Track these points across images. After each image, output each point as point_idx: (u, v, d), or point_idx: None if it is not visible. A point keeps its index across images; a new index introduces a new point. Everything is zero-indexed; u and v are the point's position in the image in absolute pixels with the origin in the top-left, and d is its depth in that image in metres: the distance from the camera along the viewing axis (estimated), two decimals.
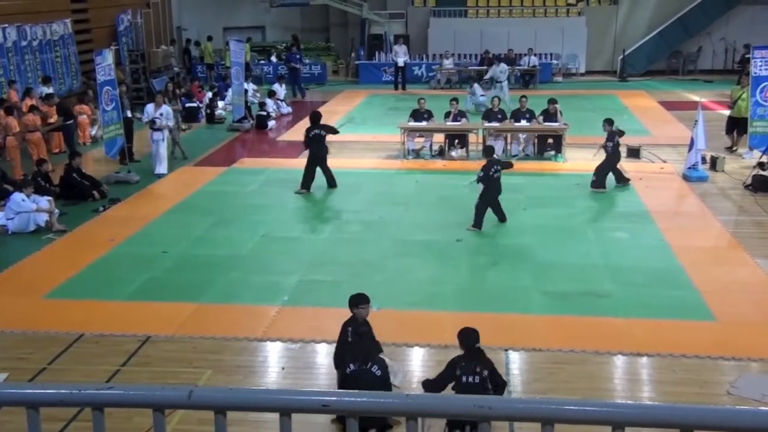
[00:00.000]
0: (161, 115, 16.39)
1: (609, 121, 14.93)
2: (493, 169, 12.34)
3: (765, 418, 2.11)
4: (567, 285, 10.31)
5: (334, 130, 15.41)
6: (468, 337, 6.91)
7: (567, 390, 7.75)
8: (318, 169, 14.82)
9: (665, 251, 11.53)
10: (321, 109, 23.59)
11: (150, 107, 16.71)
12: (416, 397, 2.38)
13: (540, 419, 2.23)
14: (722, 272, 10.76)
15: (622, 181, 14.94)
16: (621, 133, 15.15)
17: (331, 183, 14.97)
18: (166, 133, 16.65)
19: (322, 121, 15.22)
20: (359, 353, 6.97)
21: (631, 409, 2.30)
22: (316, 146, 14.73)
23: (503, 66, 24.08)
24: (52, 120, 17.33)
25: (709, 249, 11.82)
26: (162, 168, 16.36)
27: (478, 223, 12.38)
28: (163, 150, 16.46)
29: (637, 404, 2.33)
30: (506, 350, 8.54)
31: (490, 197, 12.45)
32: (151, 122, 16.20)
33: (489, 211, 12.54)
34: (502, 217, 12.70)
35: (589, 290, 10.17)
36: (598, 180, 14.67)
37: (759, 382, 7.89)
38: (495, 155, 13.13)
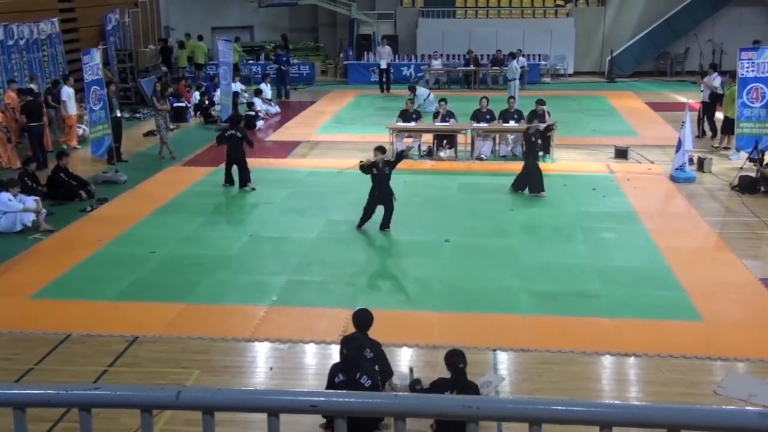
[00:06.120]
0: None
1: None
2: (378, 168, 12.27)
3: (751, 418, 2.12)
4: (554, 285, 10.33)
5: (250, 143, 15.28)
6: (455, 359, 6.69)
7: (555, 390, 7.77)
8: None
9: (652, 252, 11.57)
10: (309, 109, 23.85)
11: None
12: (404, 398, 2.38)
13: (528, 419, 2.24)
14: (709, 273, 10.81)
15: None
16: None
17: (243, 182, 14.98)
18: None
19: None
20: (347, 364, 6.92)
21: (618, 409, 2.31)
22: (231, 147, 14.88)
23: (514, 63, 24.05)
24: None
25: (696, 249, 11.87)
26: None
27: (360, 221, 12.47)
28: None
29: (624, 404, 2.34)
30: (494, 350, 8.55)
31: (373, 196, 12.39)
32: None
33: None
34: (383, 223, 12.42)
35: (577, 291, 10.19)
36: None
37: (745, 381, 7.93)
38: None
